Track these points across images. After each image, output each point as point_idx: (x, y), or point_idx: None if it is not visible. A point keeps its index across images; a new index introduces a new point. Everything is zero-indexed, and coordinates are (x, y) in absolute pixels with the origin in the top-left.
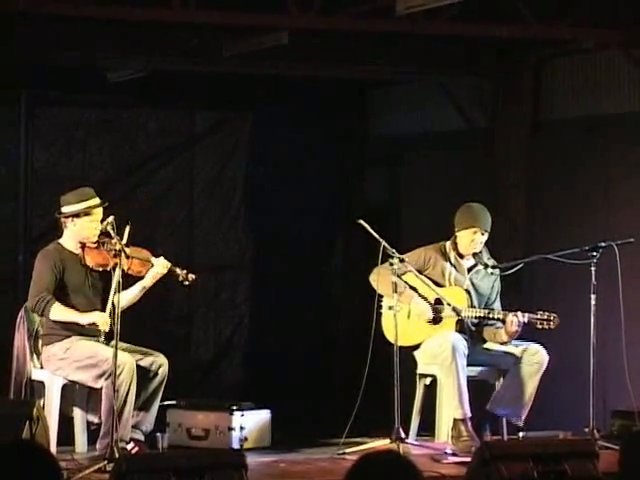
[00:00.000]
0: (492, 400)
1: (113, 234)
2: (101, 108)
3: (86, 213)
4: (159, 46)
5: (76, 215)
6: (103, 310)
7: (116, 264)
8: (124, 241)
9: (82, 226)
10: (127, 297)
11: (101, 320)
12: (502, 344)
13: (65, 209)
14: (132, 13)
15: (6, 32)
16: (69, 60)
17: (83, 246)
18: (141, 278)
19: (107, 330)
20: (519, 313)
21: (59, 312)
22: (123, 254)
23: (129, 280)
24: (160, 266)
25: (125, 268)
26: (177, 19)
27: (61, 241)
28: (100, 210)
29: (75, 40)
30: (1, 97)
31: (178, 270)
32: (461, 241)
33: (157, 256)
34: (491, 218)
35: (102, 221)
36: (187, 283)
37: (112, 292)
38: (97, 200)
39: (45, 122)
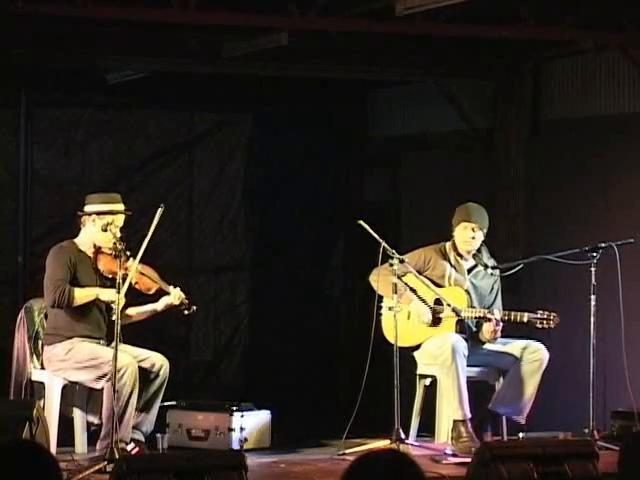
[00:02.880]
0: (494, 399)
1: (112, 235)
2: (101, 109)
3: (110, 214)
4: (159, 47)
5: (98, 215)
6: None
7: (126, 274)
8: (152, 229)
9: (102, 231)
10: (137, 312)
11: (117, 297)
12: (488, 342)
13: (89, 207)
14: (132, 13)
15: (6, 32)
16: (69, 61)
17: (97, 250)
18: (147, 296)
19: (122, 304)
20: (495, 311)
21: (81, 295)
22: (124, 255)
23: (137, 297)
24: (175, 297)
25: (133, 282)
26: (177, 19)
27: (76, 240)
28: (122, 217)
29: (75, 41)
30: (1, 98)
31: (184, 300)
32: (457, 239)
33: (167, 282)
34: (491, 218)
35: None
36: (187, 313)
37: (122, 287)
38: (122, 206)
39: (45, 123)
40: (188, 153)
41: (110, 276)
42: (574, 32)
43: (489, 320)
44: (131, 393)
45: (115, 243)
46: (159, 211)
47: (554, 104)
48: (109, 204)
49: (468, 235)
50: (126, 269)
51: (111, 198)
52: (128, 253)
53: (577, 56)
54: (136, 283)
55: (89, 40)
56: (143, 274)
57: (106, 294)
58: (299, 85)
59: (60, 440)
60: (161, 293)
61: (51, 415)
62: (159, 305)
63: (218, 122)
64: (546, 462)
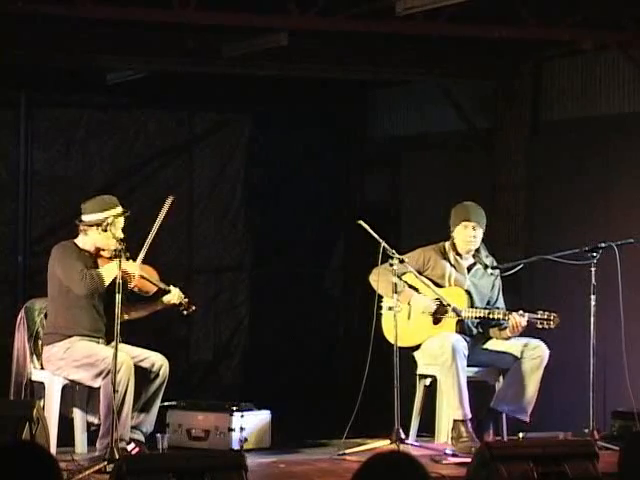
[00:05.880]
0: (496, 397)
1: (112, 235)
2: (101, 109)
3: (109, 223)
4: (159, 47)
5: (99, 224)
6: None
7: (125, 280)
8: (159, 219)
9: (105, 235)
10: (136, 314)
11: (132, 267)
12: (506, 339)
13: (88, 217)
14: (132, 13)
15: (6, 33)
16: (69, 61)
17: (97, 253)
18: (146, 296)
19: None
20: (518, 314)
21: (107, 273)
22: (123, 254)
23: (134, 296)
24: (175, 296)
25: (132, 285)
26: (177, 19)
27: (76, 241)
28: (122, 219)
29: (75, 41)
30: (1, 98)
31: (184, 300)
32: (457, 239)
33: (163, 280)
34: (491, 218)
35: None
36: (186, 313)
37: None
38: (120, 209)
39: (45, 123)
40: (188, 153)
41: None
42: (574, 32)
43: (504, 320)
44: (126, 390)
45: (117, 243)
46: (168, 201)
47: (554, 104)
48: (107, 211)
49: (469, 234)
50: (125, 272)
51: (108, 204)
52: (128, 254)
53: (577, 56)
54: (135, 286)
55: (89, 40)
56: (143, 277)
57: (122, 266)
58: (299, 85)
59: (60, 440)
60: (160, 292)
61: (51, 415)
62: (158, 304)
63: (218, 122)
64: (546, 462)
